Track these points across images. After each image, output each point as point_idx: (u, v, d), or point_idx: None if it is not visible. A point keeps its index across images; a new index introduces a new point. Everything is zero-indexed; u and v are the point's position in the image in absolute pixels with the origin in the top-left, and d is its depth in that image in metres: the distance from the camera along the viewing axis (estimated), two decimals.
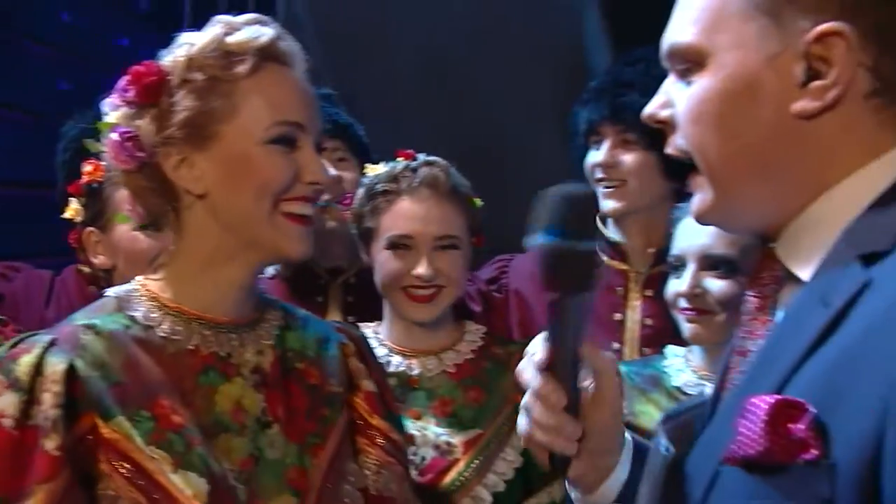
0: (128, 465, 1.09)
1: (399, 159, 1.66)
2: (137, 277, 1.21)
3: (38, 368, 1.07)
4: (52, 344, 1.09)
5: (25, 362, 1.07)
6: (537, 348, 1.00)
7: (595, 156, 1.86)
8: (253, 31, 1.13)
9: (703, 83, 0.87)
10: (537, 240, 0.94)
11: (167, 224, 1.19)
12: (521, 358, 1.63)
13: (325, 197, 1.24)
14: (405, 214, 1.61)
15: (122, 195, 1.55)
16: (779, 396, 0.79)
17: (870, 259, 0.80)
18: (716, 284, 1.53)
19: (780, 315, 0.90)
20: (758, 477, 0.80)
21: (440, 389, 1.65)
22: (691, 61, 0.88)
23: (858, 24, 0.81)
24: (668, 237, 1.67)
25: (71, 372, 1.07)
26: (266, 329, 1.22)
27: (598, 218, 1.98)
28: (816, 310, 0.81)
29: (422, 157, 1.66)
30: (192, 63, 1.11)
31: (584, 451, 1.03)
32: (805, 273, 0.87)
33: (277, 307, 1.26)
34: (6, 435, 1.04)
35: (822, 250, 0.86)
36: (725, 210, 0.91)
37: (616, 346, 1.88)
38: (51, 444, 1.04)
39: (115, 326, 1.14)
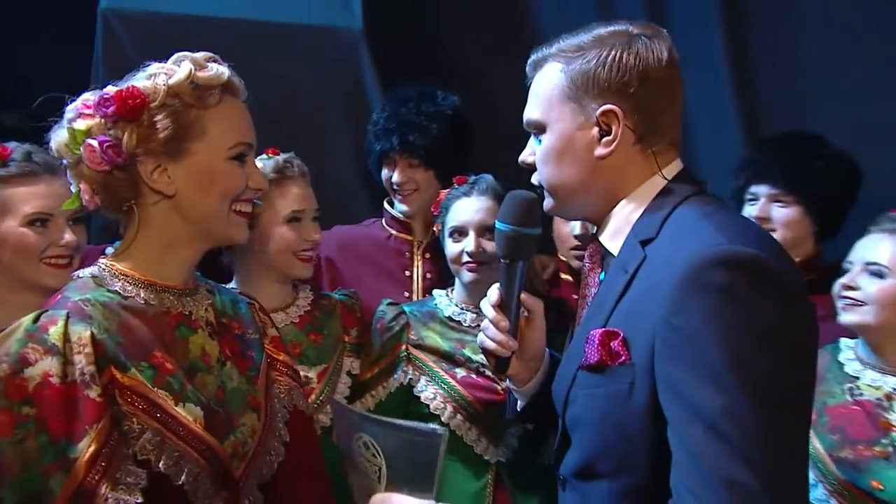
0: (145, 403, 1.26)
1: (266, 155, 1.99)
2: (100, 260, 1.36)
3: (66, 336, 1.22)
4: (69, 316, 1.23)
5: (56, 332, 1.21)
6: (493, 292, 1.45)
7: (391, 175, 2.39)
8: (216, 69, 1.33)
9: (546, 142, 1.33)
10: (499, 226, 1.42)
11: (121, 215, 1.36)
12: (342, 305, 2.14)
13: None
14: (297, 196, 1.98)
15: (10, 192, 1.69)
16: (604, 328, 1.22)
17: (645, 242, 1.24)
18: (490, 245, 2.01)
19: (602, 276, 1.37)
20: (596, 375, 1.23)
21: (289, 336, 1.96)
22: (538, 128, 1.35)
23: (624, 104, 1.26)
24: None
25: (93, 336, 1.23)
26: (203, 293, 1.44)
27: (387, 202, 2.50)
28: (619, 274, 1.26)
29: (282, 154, 2.02)
30: (171, 91, 1.29)
31: (521, 358, 1.48)
32: (615, 249, 1.32)
33: (198, 276, 1.48)
34: (57, 390, 1.18)
35: (622, 236, 1.30)
36: (561, 211, 1.41)
37: (407, 294, 2.40)
38: (93, 393, 1.20)
39: (104, 298, 1.30)
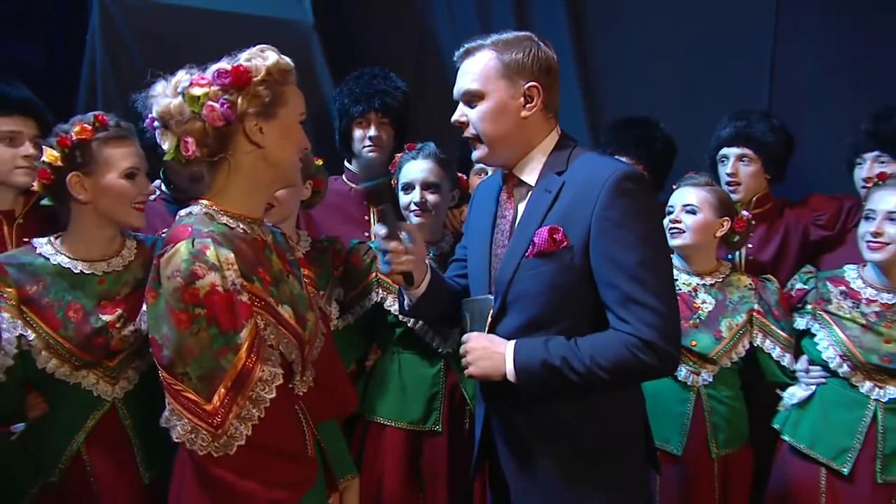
0: (265, 305, 1.51)
1: None
2: (202, 201, 1.56)
3: (218, 257, 1.45)
4: (214, 241, 1.45)
5: (212, 254, 1.44)
6: (379, 231, 1.76)
7: (365, 133, 2.91)
8: (286, 59, 1.59)
9: (485, 105, 1.72)
10: (364, 185, 1.87)
11: (202, 167, 1.56)
12: (332, 248, 2.62)
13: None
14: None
15: (108, 151, 1.90)
16: (549, 226, 1.64)
17: (559, 173, 1.73)
18: (432, 197, 2.41)
19: (523, 201, 1.75)
20: (543, 258, 1.66)
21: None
22: (476, 97, 1.73)
23: (541, 82, 1.74)
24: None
25: (235, 256, 1.46)
26: (261, 230, 1.65)
27: (347, 160, 2.99)
28: (543, 194, 1.72)
29: None
30: (269, 70, 1.55)
31: (416, 267, 1.86)
32: (531, 180, 1.76)
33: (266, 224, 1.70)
34: (221, 296, 1.42)
35: (536, 171, 1.76)
36: (491, 158, 1.78)
37: (366, 234, 2.91)
38: (245, 297, 1.45)
39: (220, 229, 1.51)
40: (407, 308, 2.01)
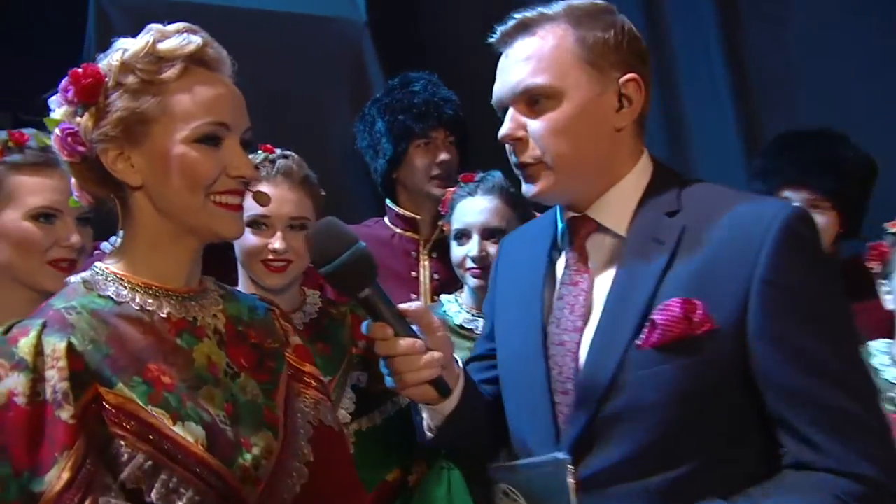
0: (136, 424, 1.13)
1: (260, 152, 1.86)
2: (96, 263, 1.25)
3: (38, 348, 1.09)
4: (45, 326, 1.11)
5: (26, 344, 1.09)
6: (377, 332, 1.25)
7: (432, 158, 2.35)
8: (182, 38, 1.19)
9: (560, 111, 1.24)
10: (323, 272, 1.23)
11: (114, 212, 1.25)
12: (353, 316, 2.03)
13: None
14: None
15: (17, 180, 1.59)
16: (683, 298, 1.16)
17: (671, 214, 1.24)
18: (495, 248, 1.88)
19: (607, 260, 1.27)
20: (666, 351, 1.17)
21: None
22: (545, 97, 1.24)
23: (641, 74, 1.26)
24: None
25: (70, 348, 1.10)
26: (213, 297, 1.31)
27: (387, 198, 2.43)
28: (652, 246, 1.22)
29: (279, 151, 1.89)
30: (125, 67, 1.16)
31: (446, 368, 1.32)
32: (620, 227, 1.27)
33: (209, 279, 1.34)
34: (21, 412, 1.05)
35: (627, 213, 1.28)
36: (560, 193, 1.29)
37: (414, 296, 2.33)
38: (65, 414, 1.06)
39: (94, 305, 1.18)
40: (429, 433, 1.43)
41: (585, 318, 1.27)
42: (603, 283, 1.28)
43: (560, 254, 1.37)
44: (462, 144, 2.42)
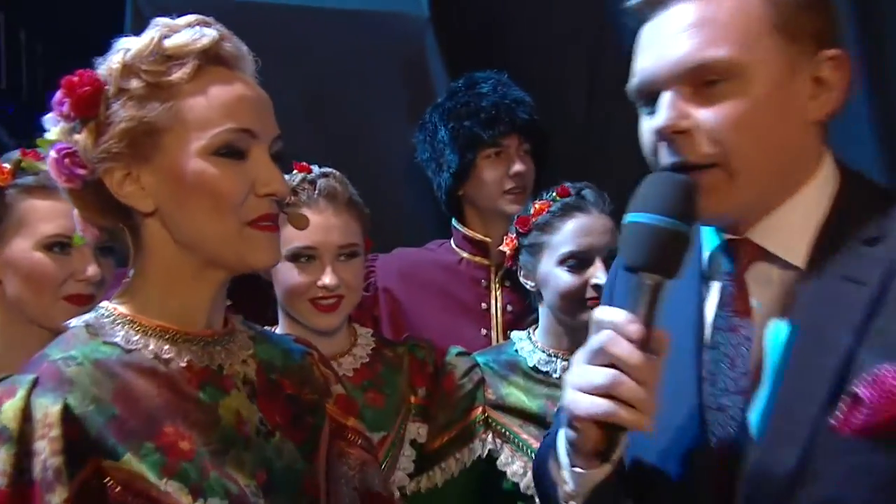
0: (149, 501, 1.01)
1: (296, 172, 1.66)
2: (103, 303, 1.11)
3: (26, 413, 0.96)
4: (35, 383, 0.98)
5: (11, 408, 0.95)
6: (626, 320, 0.92)
7: (506, 169, 2.08)
8: (193, 32, 1.05)
9: (747, 95, 0.96)
10: (645, 219, 0.95)
11: (125, 243, 1.12)
12: (412, 359, 1.78)
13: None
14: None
15: (29, 205, 1.46)
16: None
17: (871, 241, 0.97)
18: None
19: (779, 299, 1.01)
20: (881, 440, 0.90)
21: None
22: (723, 75, 0.96)
23: (842, 50, 0.99)
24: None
25: (66, 412, 0.97)
26: (242, 339, 1.17)
27: (453, 218, 2.18)
28: (845, 286, 0.96)
29: (316, 168, 1.68)
30: (128, 69, 1.03)
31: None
32: (797, 258, 1.00)
33: (237, 317, 1.21)
34: (3, 495, 0.93)
35: (805, 239, 1.00)
36: (742, 205, 1.00)
37: (484, 332, 2.07)
38: (57, 498, 0.94)
39: (98, 355, 1.04)
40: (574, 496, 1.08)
41: (752, 377, 1.01)
42: (773, 330, 1.02)
43: (707, 287, 1.08)
44: (539, 154, 2.14)
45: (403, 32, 2.45)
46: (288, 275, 1.63)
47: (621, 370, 0.90)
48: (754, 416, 0.99)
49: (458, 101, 2.12)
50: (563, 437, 1.03)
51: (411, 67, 2.42)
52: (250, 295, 1.61)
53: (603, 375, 0.91)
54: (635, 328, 0.91)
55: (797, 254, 1.01)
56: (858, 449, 0.92)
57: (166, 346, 1.07)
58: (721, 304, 1.05)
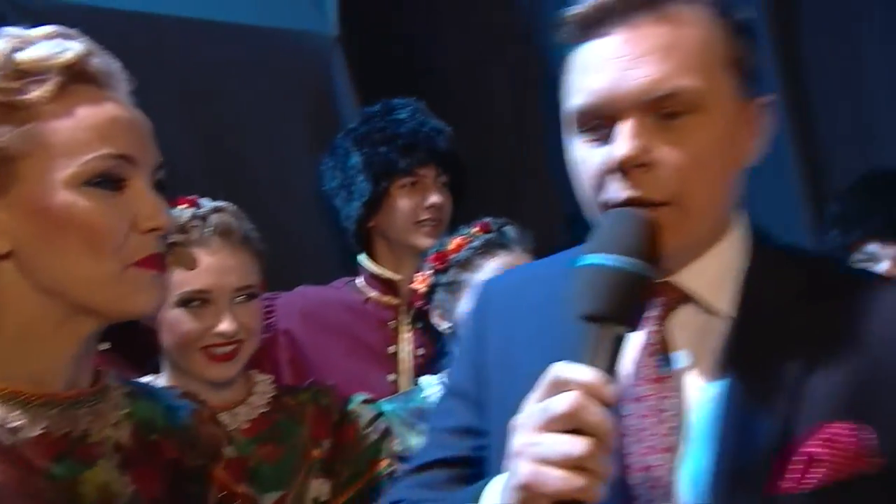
0: None
1: (183, 207, 1.53)
2: None
3: None
4: None
5: None
6: (599, 381, 0.83)
7: (420, 200, 2.01)
8: (54, 45, 0.95)
9: (705, 130, 0.93)
10: (603, 261, 0.88)
11: None
12: (315, 407, 1.66)
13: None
14: (199, 267, 1.50)
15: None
16: (853, 422, 0.90)
17: (800, 296, 0.96)
18: None
19: (684, 349, 0.98)
20: (828, 496, 0.90)
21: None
22: (689, 107, 0.93)
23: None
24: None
25: None
26: (116, 397, 1.06)
27: (366, 255, 2.10)
28: (780, 338, 0.95)
29: (206, 202, 1.56)
30: None
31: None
32: (723, 304, 0.98)
33: (110, 372, 1.10)
34: None
35: (729, 284, 0.99)
36: (687, 246, 0.97)
37: (392, 377, 1.99)
38: None
39: None
40: None
41: (676, 433, 0.97)
42: (701, 381, 0.99)
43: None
44: (456, 187, 2.08)
45: (308, 51, 2.39)
46: (177, 322, 1.50)
47: (593, 437, 0.81)
48: (685, 476, 0.95)
49: (373, 126, 2.05)
50: None
51: (316, 90, 2.37)
52: (131, 339, 1.48)
53: (580, 447, 0.80)
54: (610, 391, 0.82)
55: (723, 301, 0.99)
56: None
57: (15, 413, 0.95)
58: (641, 350, 1.00)
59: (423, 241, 1.96)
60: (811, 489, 0.91)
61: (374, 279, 2.06)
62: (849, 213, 1.96)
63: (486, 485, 0.97)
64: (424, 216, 2.01)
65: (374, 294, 2.06)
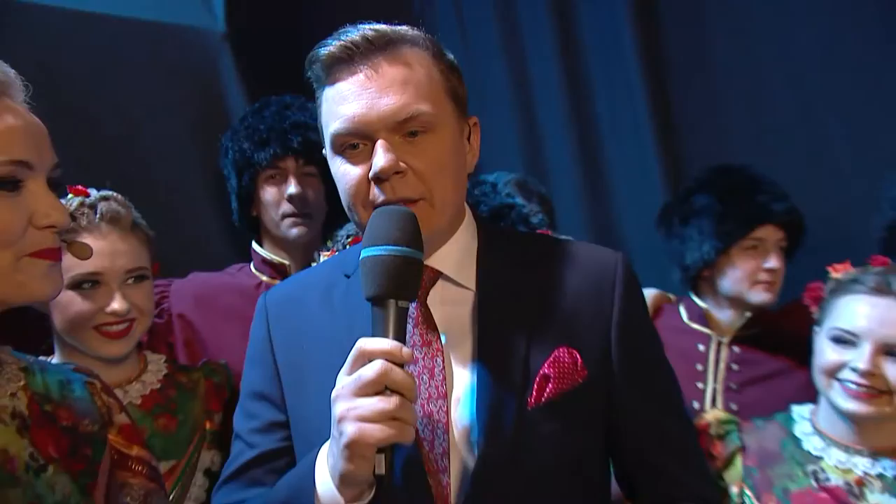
0: None
1: (72, 196, 1.55)
2: None
3: None
4: None
5: None
6: (395, 348, 1.02)
7: (280, 189, 2.02)
8: None
9: (438, 143, 1.16)
10: (374, 252, 1.07)
11: None
12: (208, 383, 1.73)
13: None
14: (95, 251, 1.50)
15: None
16: (566, 346, 1.17)
17: (521, 265, 1.23)
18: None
19: (443, 318, 1.19)
20: (563, 405, 1.15)
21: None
22: (425, 126, 1.15)
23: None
24: None
25: None
26: (10, 371, 1.12)
27: (255, 242, 2.12)
28: (511, 300, 1.20)
29: (94, 191, 1.59)
30: None
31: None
32: (468, 280, 1.22)
33: (5, 349, 1.15)
34: None
35: (470, 265, 1.23)
36: (439, 231, 1.20)
37: None
38: None
39: None
40: None
41: (444, 381, 1.17)
42: (460, 341, 1.21)
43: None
44: (328, 173, 2.08)
45: (197, 47, 2.33)
46: (70, 303, 1.52)
47: (399, 393, 1.01)
48: (459, 415, 1.16)
49: (244, 123, 2.07)
50: (325, 483, 1.09)
51: (204, 85, 2.31)
52: (21, 325, 1.49)
53: (391, 403, 1.00)
54: (405, 353, 1.02)
55: (468, 278, 1.23)
56: (544, 416, 1.15)
57: None
58: (414, 323, 1.20)
59: (291, 231, 1.99)
60: (547, 400, 1.15)
61: (264, 264, 2.08)
62: (723, 209, 2.07)
63: (314, 458, 1.13)
64: (286, 207, 2.00)
65: (265, 278, 2.07)
